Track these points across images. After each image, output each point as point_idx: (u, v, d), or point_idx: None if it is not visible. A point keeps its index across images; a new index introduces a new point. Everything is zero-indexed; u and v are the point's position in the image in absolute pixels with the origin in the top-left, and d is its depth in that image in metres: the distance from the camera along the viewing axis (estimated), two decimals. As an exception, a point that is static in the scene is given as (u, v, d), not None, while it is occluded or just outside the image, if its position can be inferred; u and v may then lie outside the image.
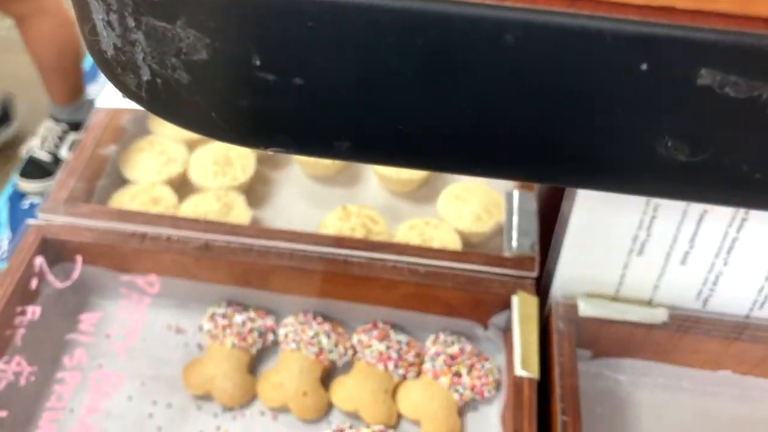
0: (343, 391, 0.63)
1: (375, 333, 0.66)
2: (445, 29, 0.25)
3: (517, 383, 0.58)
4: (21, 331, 0.63)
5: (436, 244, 0.71)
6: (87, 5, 0.28)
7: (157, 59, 0.27)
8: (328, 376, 0.65)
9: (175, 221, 0.67)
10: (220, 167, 0.78)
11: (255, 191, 0.80)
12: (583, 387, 0.57)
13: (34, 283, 0.64)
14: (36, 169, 1.46)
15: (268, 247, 0.65)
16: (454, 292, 0.64)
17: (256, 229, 0.68)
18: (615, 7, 0.24)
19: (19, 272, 0.63)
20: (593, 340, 0.63)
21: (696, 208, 0.55)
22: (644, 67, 0.25)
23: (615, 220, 0.57)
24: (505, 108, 0.27)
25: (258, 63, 0.26)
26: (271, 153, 0.84)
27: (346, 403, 0.63)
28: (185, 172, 0.78)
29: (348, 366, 0.66)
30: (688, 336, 0.61)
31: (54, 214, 0.67)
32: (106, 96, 0.79)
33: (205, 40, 0.26)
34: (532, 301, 0.62)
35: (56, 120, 1.49)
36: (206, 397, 0.64)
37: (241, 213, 0.74)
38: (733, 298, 0.60)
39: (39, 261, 0.65)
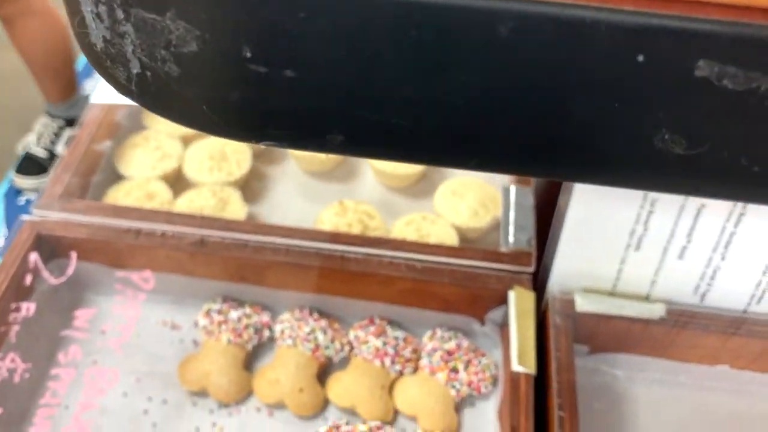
0: (340, 387, 0.63)
1: (372, 329, 0.66)
2: (439, 20, 0.24)
3: (514, 379, 0.58)
4: (15, 328, 0.62)
5: (432, 239, 0.71)
6: (76, -3, 0.27)
7: (146, 52, 0.27)
8: (324, 373, 0.65)
9: (170, 217, 0.67)
10: (216, 162, 0.78)
11: (251, 186, 0.80)
12: (580, 382, 0.57)
13: (28, 279, 0.64)
14: (32, 166, 1.45)
15: (264, 242, 0.65)
16: (451, 288, 0.64)
17: (251, 224, 0.68)
18: (610, -4, 0.24)
19: (13, 268, 0.63)
20: (590, 336, 0.62)
21: (693, 202, 0.55)
22: (641, 58, 0.24)
23: (612, 214, 0.56)
24: (500, 101, 0.26)
25: (249, 55, 0.26)
26: (264, 147, 0.84)
27: (343, 400, 0.63)
28: (180, 168, 0.78)
29: (344, 362, 0.66)
30: (685, 331, 0.61)
31: (49, 210, 0.67)
32: (101, 91, 0.79)
33: (195, 32, 0.25)
34: (529, 297, 0.62)
35: (52, 116, 1.49)
36: (202, 393, 0.63)
37: (236, 208, 0.74)
38: (731, 293, 0.60)
39: (33, 257, 0.65)
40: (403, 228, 0.72)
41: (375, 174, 0.81)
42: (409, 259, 0.64)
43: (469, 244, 0.73)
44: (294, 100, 0.27)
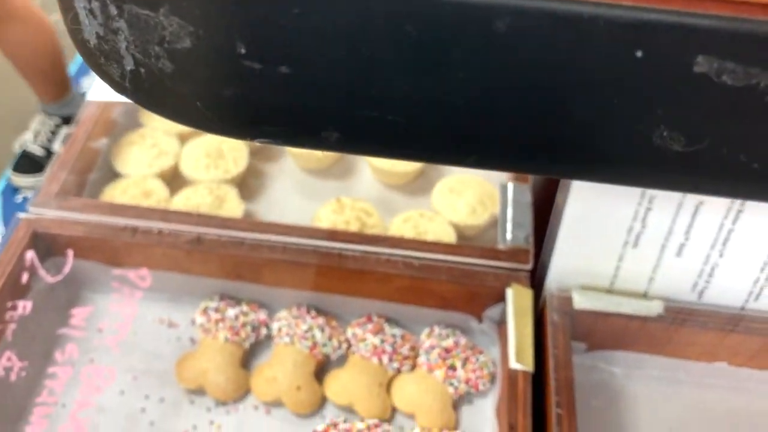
0: (338, 385, 0.63)
1: (369, 326, 0.66)
2: (436, 16, 0.24)
3: (511, 376, 0.58)
4: (12, 326, 0.62)
5: (430, 236, 0.70)
6: (69, -7, 0.27)
7: (140, 48, 0.26)
8: (322, 370, 0.65)
9: (167, 215, 0.67)
10: (212, 160, 0.77)
11: (248, 184, 0.79)
12: (578, 379, 0.57)
13: (25, 277, 0.64)
14: (29, 164, 1.45)
15: (261, 240, 0.65)
16: (448, 285, 0.63)
17: (248, 222, 0.68)
18: (609, -8, 0.24)
19: (9, 266, 0.62)
20: (588, 333, 0.62)
21: (691, 199, 0.54)
22: (639, 54, 0.24)
23: (610, 211, 0.56)
24: (497, 97, 0.26)
25: (243, 51, 0.25)
26: (260, 144, 0.83)
27: (341, 397, 0.62)
28: (177, 165, 0.78)
29: (342, 360, 0.65)
30: (683, 328, 0.61)
31: (45, 208, 0.67)
32: (97, 89, 0.79)
33: (189, 28, 0.25)
34: (527, 294, 0.62)
35: (48, 114, 1.48)
36: (199, 391, 0.63)
37: (233, 206, 0.74)
38: (729, 290, 0.60)
39: (30, 255, 0.64)
40: (401, 225, 0.72)
41: (372, 171, 0.80)
42: (406, 256, 0.64)
43: (466, 241, 0.73)
44: (289, 96, 0.27)
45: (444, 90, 0.26)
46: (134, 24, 0.26)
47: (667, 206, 0.55)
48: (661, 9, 0.23)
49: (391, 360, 0.63)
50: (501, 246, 0.65)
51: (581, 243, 0.59)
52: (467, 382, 0.62)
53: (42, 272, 0.65)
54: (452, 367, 0.63)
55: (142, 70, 0.27)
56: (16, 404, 0.61)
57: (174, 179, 0.77)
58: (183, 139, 0.80)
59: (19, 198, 1.45)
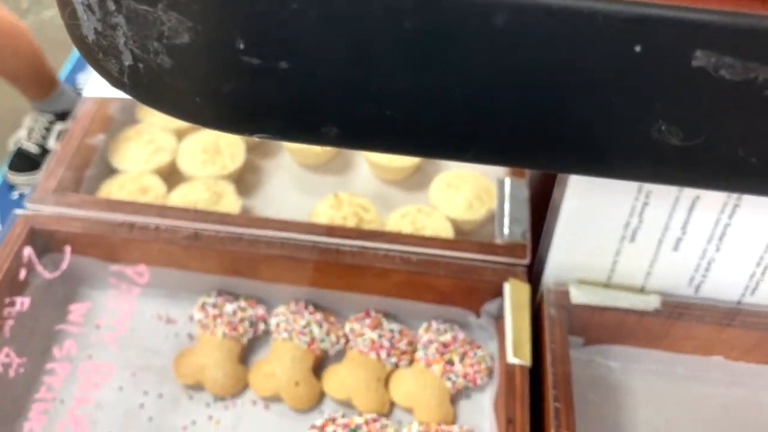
0: (336, 380, 0.63)
1: (367, 321, 0.66)
2: (434, 10, 0.24)
3: (509, 370, 0.58)
4: (10, 323, 0.62)
5: (428, 232, 0.71)
6: (67, -12, 0.27)
7: (138, 43, 0.26)
8: (320, 365, 0.65)
9: (164, 210, 0.66)
10: (209, 156, 0.77)
11: (245, 180, 0.79)
12: (576, 374, 0.57)
13: (22, 273, 0.64)
14: (24, 162, 1.44)
15: (259, 236, 0.65)
16: (446, 280, 0.64)
17: (246, 218, 0.68)
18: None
19: (7, 263, 0.62)
20: (585, 327, 0.62)
21: (688, 194, 0.55)
22: (638, 49, 0.24)
23: (607, 206, 0.56)
24: (496, 92, 0.26)
25: (242, 46, 0.25)
26: (258, 140, 0.83)
27: (339, 392, 0.62)
28: (174, 161, 0.78)
29: (340, 355, 0.66)
30: (680, 322, 0.61)
31: (42, 204, 0.67)
32: (93, 85, 0.78)
33: (188, 23, 0.25)
34: (524, 289, 0.62)
35: (40, 111, 1.47)
36: (198, 386, 0.63)
37: (230, 202, 0.73)
38: (725, 284, 0.60)
39: (27, 251, 0.64)
40: (399, 221, 0.72)
41: (370, 167, 0.80)
42: (404, 251, 0.64)
43: (464, 236, 0.73)
44: (288, 92, 0.27)
45: (443, 85, 0.26)
46: (133, 19, 0.26)
47: (663, 201, 0.55)
48: (659, 4, 0.23)
49: (389, 355, 0.64)
50: (498, 241, 0.65)
51: (578, 238, 0.59)
52: (465, 376, 0.63)
53: (39, 268, 0.65)
54: (450, 362, 0.63)
55: (141, 65, 0.27)
56: (15, 400, 0.61)
57: (171, 175, 0.77)
58: (180, 135, 0.80)
59: (15, 195, 1.44)
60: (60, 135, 1.44)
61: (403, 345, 0.65)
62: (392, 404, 0.63)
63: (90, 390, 0.62)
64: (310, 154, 0.80)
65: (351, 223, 0.71)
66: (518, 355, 0.58)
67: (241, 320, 0.65)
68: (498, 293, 0.63)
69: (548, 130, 0.27)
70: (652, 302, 0.61)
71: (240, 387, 0.63)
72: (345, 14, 0.25)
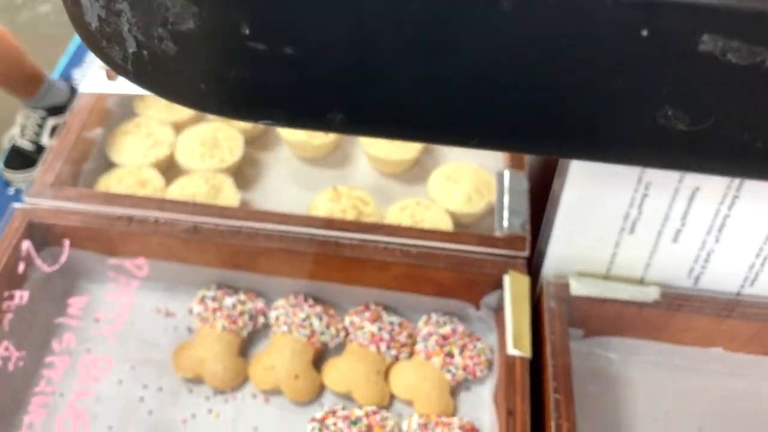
0: (336, 373, 0.63)
1: (367, 314, 0.66)
2: (440, -4, 0.24)
3: (509, 362, 0.58)
4: (9, 316, 0.62)
5: (427, 224, 0.70)
6: (69, -25, 0.27)
7: (142, 30, 0.26)
8: (320, 359, 0.65)
9: (163, 204, 0.66)
10: (208, 149, 0.77)
11: (243, 173, 0.79)
12: (575, 365, 0.57)
13: (21, 267, 0.63)
14: (19, 159, 1.44)
15: (258, 229, 0.65)
16: (445, 273, 0.64)
17: (245, 211, 0.67)
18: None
19: (5, 257, 0.62)
20: (585, 319, 0.63)
21: (687, 185, 0.55)
22: (645, 33, 0.24)
23: (606, 198, 0.56)
24: (503, 76, 0.26)
25: (247, 32, 0.25)
26: (257, 134, 0.83)
27: (339, 385, 0.63)
28: (172, 155, 0.77)
29: (340, 348, 0.66)
30: (679, 314, 0.61)
31: (40, 198, 0.66)
32: (90, 81, 0.78)
33: (193, 9, 0.25)
34: (524, 281, 0.62)
35: (31, 108, 1.47)
36: (197, 380, 0.63)
37: (229, 195, 0.73)
38: (725, 275, 0.60)
39: (26, 245, 0.64)
40: (398, 214, 0.72)
41: (369, 160, 0.80)
42: (403, 244, 0.64)
43: (463, 229, 0.73)
44: (293, 77, 0.27)
45: (448, 70, 0.26)
46: (137, 5, 0.26)
47: (663, 192, 0.55)
48: (666, -13, 0.23)
49: (388, 347, 0.64)
50: (498, 233, 0.65)
51: (578, 230, 0.59)
52: (465, 368, 0.63)
53: (38, 262, 0.65)
54: (450, 354, 0.63)
55: (145, 52, 0.27)
56: (14, 394, 0.61)
57: (169, 168, 0.77)
58: (178, 128, 0.80)
59: (11, 190, 1.43)
60: (54, 130, 1.43)
61: (402, 338, 0.65)
62: (392, 397, 0.63)
63: (89, 383, 0.62)
64: (308, 147, 0.80)
65: (350, 216, 0.71)
66: (518, 347, 0.58)
67: (241, 313, 0.65)
68: (497, 286, 0.63)
69: (555, 114, 0.27)
70: (651, 294, 0.61)
71: (240, 380, 0.63)
72: (350, -1, 0.25)
